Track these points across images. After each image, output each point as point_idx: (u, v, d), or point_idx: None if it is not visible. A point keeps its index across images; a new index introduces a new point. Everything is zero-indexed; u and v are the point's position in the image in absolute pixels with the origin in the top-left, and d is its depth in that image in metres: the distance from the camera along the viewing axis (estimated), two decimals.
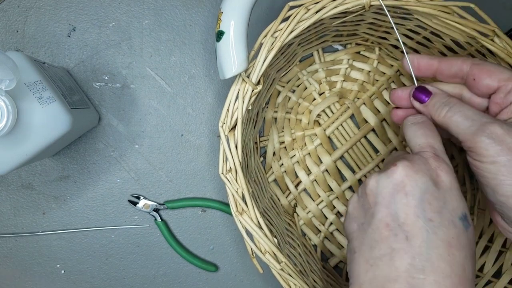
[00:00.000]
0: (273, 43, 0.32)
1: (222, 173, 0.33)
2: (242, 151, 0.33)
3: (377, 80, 0.45)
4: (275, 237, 0.34)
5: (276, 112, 0.45)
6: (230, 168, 0.33)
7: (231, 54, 0.29)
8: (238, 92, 0.32)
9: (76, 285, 0.45)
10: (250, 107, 0.33)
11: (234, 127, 0.32)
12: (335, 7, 0.32)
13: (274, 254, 0.32)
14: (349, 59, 0.45)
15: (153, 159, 0.44)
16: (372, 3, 0.31)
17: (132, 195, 0.44)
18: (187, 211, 0.45)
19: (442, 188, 0.25)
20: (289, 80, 0.45)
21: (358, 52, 0.45)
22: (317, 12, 0.32)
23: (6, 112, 0.28)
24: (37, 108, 0.31)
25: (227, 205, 0.45)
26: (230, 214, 0.45)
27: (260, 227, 0.32)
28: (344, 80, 0.45)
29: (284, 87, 0.44)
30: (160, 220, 0.44)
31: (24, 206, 0.44)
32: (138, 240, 0.45)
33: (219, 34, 0.29)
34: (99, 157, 0.44)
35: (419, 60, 0.32)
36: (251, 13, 0.30)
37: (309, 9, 0.32)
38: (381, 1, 0.31)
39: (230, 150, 0.32)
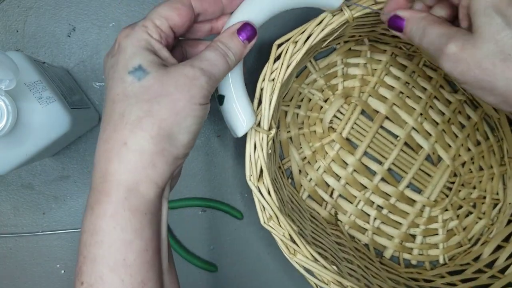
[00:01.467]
0: (273, 86, 0.32)
1: (265, 222, 0.33)
2: (275, 191, 0.33)
3: (375, 69, 0.45)
4: (333, 263, 0.34)
5: (289, 131, 0.45)
6: (270, 215, 0.33)
7: (238, 114, 0.30)
8: (255, 143, 0.32)
9: None
10: (270, 151, 0.33)
11: (260, 174, 0.33)
12: (322, 31, 0.31)
13: (338, 282, 0.33)
14: (342, 59, 0.45)
15: None
16: (355, 15, 0.31)
17: None
18: (187, 211, 0.45)
19: (115, 51, 0.26)
20: (292, 98, 0.45)
21: (349, 49, 0.45)
22: (305, 42, 0.31)
23: (6, 112, 0.28)
24: (37, 108, 0.30)
25: (227, 205, 0.45)
26: (231, 214, 0.45)
27: (316, 260, 0.33)
28: (344, 80, 0.45)
29: (289, 105, 0.45)
30: None
31: (24, 206, 0.44)
32: None
33: (220, 98, 0.30)
34: None
35: (393, 4, 0.30)
36: (243, 68, 0.31)
37: (297, 41, 0.31)
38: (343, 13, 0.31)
39: (265, 199, 0.33)
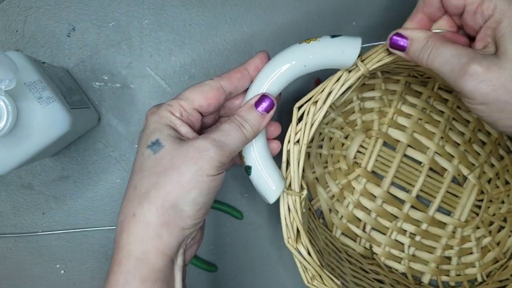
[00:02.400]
0: (299, 148, 0.32)
1: (309, 282, 0.33)
2: (312, 245, 0.33)
3: (391, 100, 0.46)
4: None
5: (314, 172, 0.45)
6: (313, 275, 0.33)
7: (266, 182, 0.31)
8: (289, 206, 0.32)
9: (76, 285, 0.45)
10: (304, 210, 0.33)
11: (298, 235, 0.33)
12: (341, 87, 0.31)
13: None
14: (357, 94, 0.45)
15: None
16: (370, 68, 0.31)
17: None
18: None
19: (143, 127, 0.28)
20: (312, 139, 0.45)
21: (363, 84, 0.45)
22: (325, 101, 0.31)
23: (6, 112, 0.28)
24: (36, 108, 0.30)
25: (228, 205, 0.45)
26: (231, 214, 0.45)
27: None
28: (362, 115, 0.46)
29: (310, 147, 0.45)
30: None
31: (24, 206, 0.44)
32: None
33: (248, 169, 0.31)
34: (99, 157, 0.44)
35: (414, 26, 0.29)
36: (266, 137, 0.31)
37: (317, 101, 0.31)
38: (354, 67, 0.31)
39: (306, 260, 0.33)
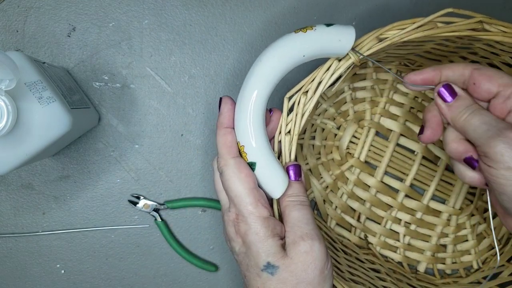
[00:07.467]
0: (290, 138, 0.32)
1: None
2: None
3: (383, 90, 0.45)
4: None
5: (307, 163, 0.45)
6: None
7: (272, 177, 0.31)
8: None
9: (76, 285, 0.45)
10: None
11: None
12: (331, 76, 0.31)
13: None
14: (349, 84, 0.45)
15: (153, 159, 0.44)
16: (361, 57, 0.31)
17: (132, 195, 0.44)
18: (187, 211, 0.45)
19: (246, 246, 0.29)
20: (305, 130, 0.45)
21: (355, 74, 0.45)
22: (315, 90, 0.31)
23: (6, 112, 0.28)
24: (37, 108, 0.30)
25: None
26: None
27: None
28: (354, 105, 0.45)
29: (303, 138, 0.45)
30: (160, 220, 0.44)
31: (24, 206, 0.44)
32: (138, 240, 0.45)
33: (252, 165, 0.31)
34: (99, 157, 0.44)
35: (422, 76, 0.31)
36: (267, 133, 0.31)
37: (307, 91, 0.31)
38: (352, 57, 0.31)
39: None
